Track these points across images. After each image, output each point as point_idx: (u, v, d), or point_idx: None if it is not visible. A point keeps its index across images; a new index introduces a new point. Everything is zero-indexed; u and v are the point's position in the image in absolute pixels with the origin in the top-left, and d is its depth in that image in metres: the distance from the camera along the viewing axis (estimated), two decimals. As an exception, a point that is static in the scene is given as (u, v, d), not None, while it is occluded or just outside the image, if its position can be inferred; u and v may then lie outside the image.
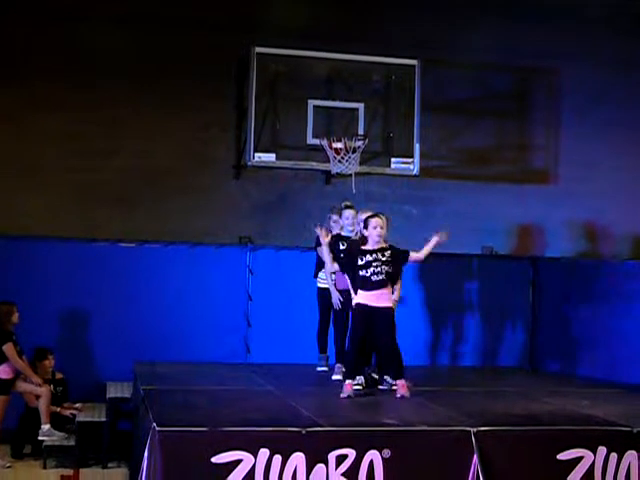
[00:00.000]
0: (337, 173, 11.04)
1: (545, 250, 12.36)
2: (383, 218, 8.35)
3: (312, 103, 11.03)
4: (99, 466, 9.66)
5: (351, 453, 6.42)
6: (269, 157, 10.94)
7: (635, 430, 6.86)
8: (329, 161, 10.94)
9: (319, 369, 9.74)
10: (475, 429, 6.64)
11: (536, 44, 12.23)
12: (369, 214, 8.51)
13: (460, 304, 11.95)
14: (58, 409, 10.18)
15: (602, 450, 6.74)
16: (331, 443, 6.42)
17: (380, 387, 8.69)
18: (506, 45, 12.17)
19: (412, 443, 6.58)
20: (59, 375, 10.54)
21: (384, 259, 8.09)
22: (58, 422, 9.98)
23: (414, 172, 11.31)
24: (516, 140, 12.45)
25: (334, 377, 9.01)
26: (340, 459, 6.40)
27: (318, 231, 8.69)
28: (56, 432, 9.76)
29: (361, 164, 11.01)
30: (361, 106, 11.18)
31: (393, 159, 11.29)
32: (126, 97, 11.40)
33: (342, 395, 7.97)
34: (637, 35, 12.48)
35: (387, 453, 6.46)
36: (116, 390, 10.15)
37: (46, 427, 9.71)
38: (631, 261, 11.82)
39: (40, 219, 11.06)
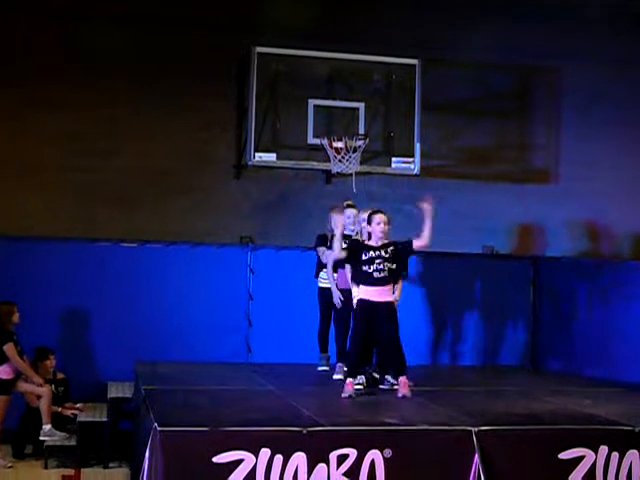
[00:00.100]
0: (338, 173, 11.04)
1: (546, 249, 12.36)
2: (385, 218, 8.39)
3: (313, 103, 11.03)
4: (100, 466, 9.66)
5: (352, 453, 6.42)
6: (270, 157, 10.94)
7: (637, 429, 6.86)
8: (330, 161, 10.94)
9: (320, 369, 9.74)
10: (476, 428, 6.64)
11: (536, 43, 12.23)
12: (371, 210, 8.57)
13: (461, 303, 11.95)
14: (59, 409, 10.18)
15: (604, 449, 6.74)
16: (332, 443, 6.42)
17: (381, 387, 8.70)
18: (507, 44, 12.17)
19: (413, 443, 6.58)
20: (60, 375, 10.53)
21: (387, 256, 8.11)
22: (59, 422, 9.98)
23: (415, 172, 11.32)
24: (517, 139, 12.45)
25: (335, 377, 9.01)
26: (341, 459, 6.40)
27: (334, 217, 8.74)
28: (57, 432, 9.76)
29: (362, 164, 11.01)
30: (362, 105, 11.18)
31: (394, 159, 11.29)
32: (126, 97, 11.40)
33: (343, 395, 7.97)
34: (637, 34, 12.48)
35: (388, 453, 6.46)
36: (117, 390, 10.15)
37: (47, 427, 9.70)
38: (632, 260, 11.83)
39: (40, 219, 11.06)
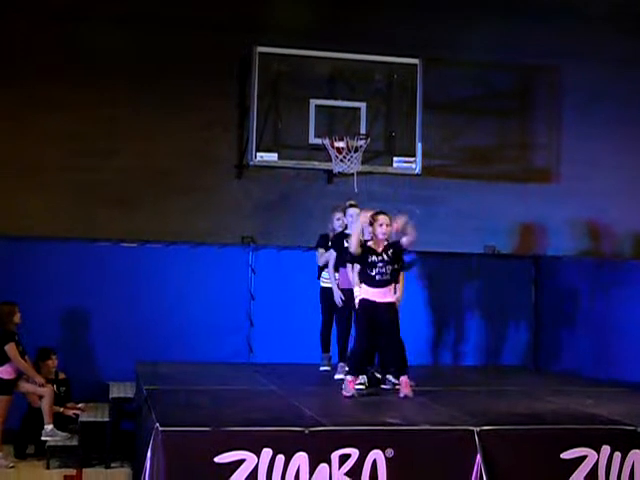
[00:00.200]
0: (339, 172, 11.03)
1: (547, 249, 12.35)
2: (388, 219, 8.44)
3: (314, 102, 11.03)
4: (102, 466, 9.65)
5: (354, 453, 6.41)
6: (271, 157, 10.95)
7: (639, 429, 6.84)
8: (331, 160, 10.93)
9: (322, 369, 9.74)
10: (478, 428, 6.64)
11: (537, 43, 12.22)
12: (374, 211, 8.59)
13: (463, 303, 11.94)
14: (61, 409, 10.17)
15: (606, 449, 6.73)
16: (334, 443, 6.41)
17: (383, 386, 8.69)
18: (507, 44, 12.16)
19: (415, 442, 6.58)
20: (62, 375, 10.53)
21: (388, 259, 8.14)
22: (61, 422, 9.97)
23: (416, 171, 11.31)
24: (518, 139, 12.44)
25: (337, 376, 9.00)
26: (343, 459, 6.40)
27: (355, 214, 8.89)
28: (59, 432, 9.75)
29: (363, 163, 11.00)
30: (363, 105, 11.18)
31: (395, 158, 11.29)
32: (127, 97, 11.39)
33: (345, 393, 7.97)
34: (638, 33, 12.47)
35: (390, 452, 6.46)
36: (119, 390, 10.15)
37: (49, 427, 9.70)
38: (633, 259, 11.82)
39: (41, 219, 11.06)
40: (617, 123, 12.52)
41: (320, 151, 10.99)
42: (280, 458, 6.30)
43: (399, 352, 8.17)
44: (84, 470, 9.51)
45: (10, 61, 11.17)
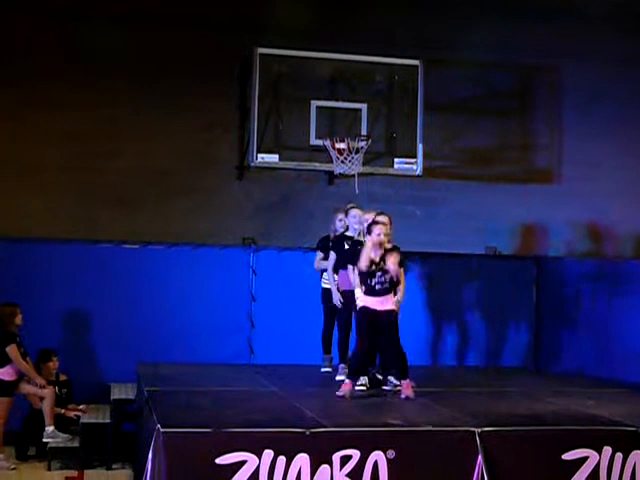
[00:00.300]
0: (340, 174, 11.03)
1: (548, 250, 12.35)
2: (387, 220, 8.46)
3: (315, 104, 11.02)
4: (103, 467, 9.66)
5: (355, 454, 6.41)
6: (272, 158, 10.94)
7: (640, 430, 6.85)
8: (332, 162, 10.93)
9: (323, 370, 9.74)
10: (479, 429, 6.63)
11: (538, 42, 12.22)
12: (374, 214, 8.60)
13: (464, 304, 11.94)
14: (62, 411, 10.18)
15: (607, 450, 6.73)
16: (335, 444, 6.41)
17: (384, 387, 8.69)
18: (508, 44, 12.15)
19: (416, 444, 6.58)
20: (63, 377, 10.54)
21: (386, 267, 8.11)
22: (62, 424, 9.97)
23: (417, 172, 11.31)
24: (519, 139, 12.43)
25: (338, 378, 8.99)
26: (344, 460, 6.39)
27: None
28: (60, 434, 9.76)
29: (364, 164, 11.00)
30: (364, 106, 11.18)
31: (396, 159, 11.28)
32: (127, 97, 11.39)
33: (338, 393, 7.96)
34: (638, 33, 12.46)
35: (391, 454, 6.46)
36: (120, 391, 10.15)
37: (50, 429, 9.70)
38: (634, 260, 11.81)
39: (41, 220, 11.05)
40: (617, 123, 12.51)
41: (321, 152, 10.99)
42: (281, 459, 6.30)
43: (399, 359, 8.17)
44: (85, 472, 9.52)
45: (10, 61, 11.16)
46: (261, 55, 10.89)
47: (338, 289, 9.36)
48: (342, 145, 10.84)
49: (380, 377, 8.82)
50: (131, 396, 9.88)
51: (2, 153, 11.13)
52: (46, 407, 9.76)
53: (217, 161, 11.62)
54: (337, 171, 10.98)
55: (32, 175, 11.13)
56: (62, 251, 10.96)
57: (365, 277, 8.16)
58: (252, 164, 10.99)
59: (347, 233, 9.42)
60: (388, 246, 8.31)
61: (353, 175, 10.88)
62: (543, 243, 12.35)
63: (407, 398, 8.03)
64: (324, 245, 9.74)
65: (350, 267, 8.88)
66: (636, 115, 12.61)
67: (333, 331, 9.68)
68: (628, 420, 7.12)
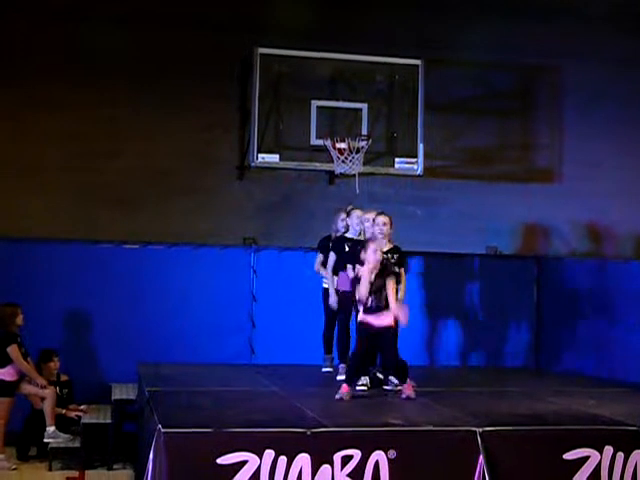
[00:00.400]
0: (341, 174, 11.03)
1: (549, 249, 12.35)
2: (387, 220, 8.50)
3: (315, 104, 11.03)
4: (104, 468, 9.66)
5: (356, 454, 6.40)
6: (273, 158, 10.95)
7: (641, 430, 6.85)
8: (333, 162, 10.93)
9: (324, 370, 9.73)
10: (481, 429, 6.62)
11: (538, 42, 12.23)
12: (374, 214, 8.63)
13: (465, 304, 11.95)
14: (63, 411, 10.18)
15: (609, 450, 6.71)
16: (336, 444, 6.40)
17: (385, 387, 8.68)
18: (508, 44, 12.16)
19: (418, 443, 6.57)
20: (64, 377, 10.54)
21: (381, 282, 8.08)
22: (63, 424, 9.98)
23: (418, 172, 11.31)
24: (520, 139, 12.44)
25: (339, 377, 8.98)
26: (345, 460, 6.38)
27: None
28: (61, 434, 9.76)
29: (365, 164, 11.01)
30: (364, 106, 11.18)
31: (397, 159, 11.29)
32: (127, 97, 11.41)
33: (336, 397, 7.95)
34: (639, 33, 12.46)
35: (393, 454, 6.45)
36: (121, 392, 10.15)
37: (51, 429, 9.70)
38: (635, 260, 11.81)
39: (41, 221, 11.06)
40: (618, 123, 12.52)
41: (322, 152, 10.99)
42: (282, 459, 6.29)
43: (400, 368, 8.14)
44: (86, 472, 9.52)
45: (10, 61, 11.18)
46: (261, 55, 10.90)
47: (337, 290, 9.35)
48: (343, 145, 10.84)
49: (381, 377, 8.81)
50: (132, 396, 9.88)
51: (2, 153, 11.14)
52: (47, 407, 9.76)
53: (217, 161, 11.63)
54: (338, 171, 10.99)
55: (32, 175, 11.14)
56: (62, 251, 10.96)
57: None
58: (253, 164, 10.99)
59: (347, 234, 9.42)
60: (385, 249, 8.34)
61: (354, 175, 10.89)
62: (544, 243, 12.35)
63: (408, 398, 8.01)
64: (324, 245, 9.73)
65: (349, 267, 8.87)
66: (636, 115, 12.62)
67: (334, 331, 9.66)
68: (629, 420, 7.11)
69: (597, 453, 6.69)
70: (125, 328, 10.89)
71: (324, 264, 9.60)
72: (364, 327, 8.09)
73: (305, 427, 6.47)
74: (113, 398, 9.99)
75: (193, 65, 11.53)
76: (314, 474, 6.32)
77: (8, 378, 9.63)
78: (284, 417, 6.98)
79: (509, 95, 12.42)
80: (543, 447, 6.68)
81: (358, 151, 10.87)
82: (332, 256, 9.43)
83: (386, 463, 6.42)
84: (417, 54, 11.35)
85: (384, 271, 8.04)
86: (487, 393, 8.91)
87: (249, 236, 11.57)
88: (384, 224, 8.62)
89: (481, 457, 6.52)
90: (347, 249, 9.24)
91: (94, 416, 10.05)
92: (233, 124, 11.62)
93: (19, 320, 9.74)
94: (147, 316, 11.01)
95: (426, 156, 11.31)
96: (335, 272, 9.40)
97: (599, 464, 6.69)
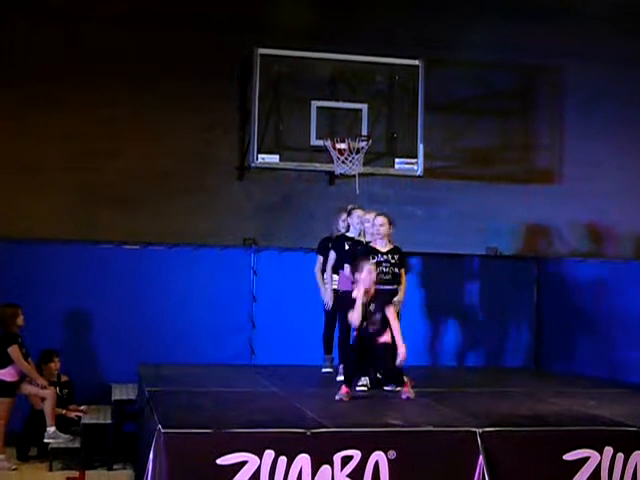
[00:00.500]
0: (341, 174, 11.03)
1: (549, 250, 12.35)
2: (385, 220, 8.54)
3: (315, 104, 11.03)
4: (104, 468, 9.65)
5: (356, 454, 6.40)
6: (273, 158, 10.95)
7: (642, 430, 6.85)
8: (333, 162, 10.94)
9: (324, 370, 9.73)
10: (481, 430, 6.62)
11: (539, 42, 12.23)
12: (374, 214, 8.66)
13: (465, 305, 11.94)
14: (64, 411, 10.18)
15: (609, 450, 6.71)
16: (336, 444, 6.40)
17: (385, 388, 8.67)
18: (509, 44, 12.17)
19: (418, 444, 6.57)
20: (65, 377, 10.53)
21: (379, 304, 8.07)
22: (64, 424, 9.97)
23: (418, 173, 11.31)
24: (520, 140, 12.44)
25: (339, 378, 8.98)
26: (345, 460, 6.38)
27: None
28: (62, 434, 9.75)
29: (365, 165, 11.01)
30: (364, 107, 11.18)
31: (397, 160, 11.29)
32: (127, 97, 11.41)
33: (336, 397, 7.94)
34: (639, 33, 12.47)
35: (392, 454, 6.45)
36: (121, 392, 10.15)
37: (52, 429, 9.70)
38: (635, 260, 11.82)
39: (42, 221, 11.07)
40: (618, 123, 12.52)
41: (322, 153, 11.00)
42: (282, 460, 6.29)
43: (396, 375, 8.12)
44: (87, 472, 9.50)
45: (10, 61, 11.19)
46: (261, 55, 10.90)
47: (337, 290, 9.36)
48: (343, 145, 10.84)
49: (381, 377, 8.81)
50: (132, 397, 9.88)
51: (3, 153, 11.15)
52: (47, 408, 9.76)
53: (218, 161, 11.63)
54: (338, 171, 10.99)
55: (33, 175, 11.14)
56: (63, 252, 10.96)
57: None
58: (253, 164, 10.99)
59: (348, 234, 9.43)
60: (385, 249, 8.35)
61: (354, 175, 10.89)
62: (544, 243, 12.35)
63: (408, 398, 8.02)
64: (324, 246, 9.74)
65: (347, 267, 8.89)
66: (636, 115, 12.62)
67: (334, 331, 9.67)
68: (629, 420, 7.11)
69: (597, 454, 6.69)
70: (125, 328, 10.88)
71: (323, 269, 9.62)
72: (361, 340, 8.05)
73: (305, 427, 6.47)
74: (113, 398, 9.99)
75: (193, 65, 11.54)
76: (314, 474, 6.33)
77: (9, 379, 9.62)
78: (284, 417, 6.98)
79: (509, 95, 12.42)
80: (543, 448, 6.68)
81: (358, 151, 10.88)
82: (332, 255, 9.44)
83: (386, 463, 6.42)
84: (417, 54, 11.35)
85: (382, 301, 7.98)
86: (487, 393, 8.91)
87: (249, 236, 11.57)
88: (381, 225, 8.68)
89: (481, 458, 6.52)
90: (347, 248, 9.25)
91: (94, 416, 10.05)
92: (233, 124, 11.63)
93: (20, 321, 9.74)
94: (147, 316, 11.00)
95: (426, 156, 11.31)
96: (335, 271, 9.41)
97: (599, 465, 6.69)
